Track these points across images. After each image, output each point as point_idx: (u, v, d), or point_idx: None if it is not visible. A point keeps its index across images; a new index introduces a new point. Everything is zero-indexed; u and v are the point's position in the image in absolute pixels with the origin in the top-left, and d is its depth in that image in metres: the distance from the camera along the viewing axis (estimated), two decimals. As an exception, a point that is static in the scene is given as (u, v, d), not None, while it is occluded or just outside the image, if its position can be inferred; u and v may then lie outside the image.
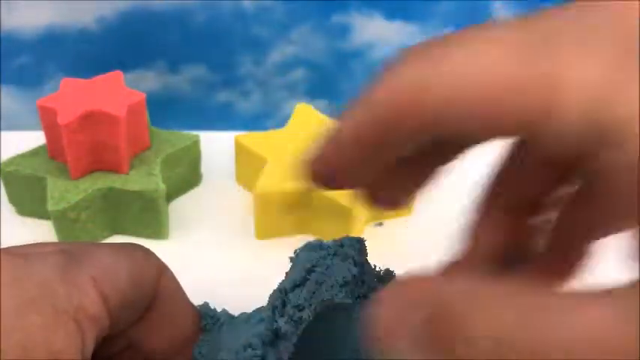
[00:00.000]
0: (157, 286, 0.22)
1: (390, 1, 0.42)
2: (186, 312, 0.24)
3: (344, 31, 0.43)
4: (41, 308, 0.18)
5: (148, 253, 0.22)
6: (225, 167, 0.41)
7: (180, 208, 0.39)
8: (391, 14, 0.43)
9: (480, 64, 0.14)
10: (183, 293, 0.24)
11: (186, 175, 0.40)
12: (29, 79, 0.44)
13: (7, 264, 0.19)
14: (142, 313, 0.22)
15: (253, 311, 0.25)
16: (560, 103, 0.13)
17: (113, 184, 0.35)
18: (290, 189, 0.35)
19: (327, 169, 0.19)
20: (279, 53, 0.44)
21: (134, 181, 0.35)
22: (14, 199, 0.38)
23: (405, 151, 0.17)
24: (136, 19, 0.42)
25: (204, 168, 0.41)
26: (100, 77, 0.36)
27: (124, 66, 0.40)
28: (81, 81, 0.36)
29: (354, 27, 0.43)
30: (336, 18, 0.43)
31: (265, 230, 0.36)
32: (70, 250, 0.20)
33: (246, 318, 0.25)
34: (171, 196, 0.39)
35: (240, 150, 0.39)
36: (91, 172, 0.36)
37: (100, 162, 0.36)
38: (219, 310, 0.26)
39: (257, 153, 0.37)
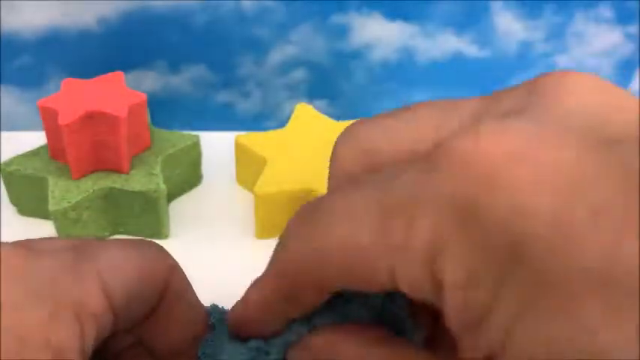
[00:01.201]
0: (166, 285, 0.22)
1: (389, 1, 0.42)
2: (195, 312, 0.24)
3: (344, 31, 0.44)
4: (42, 302, 0.18)
5: (160, 250, 0.22)
6: (226, 167, 0.41)
7: (181, 208, 0.39)
8: (391, 14, 0.43)
9: (340, 236, 0.16)
10: (194, 293, 0.24)
11: (187, 175, 0.40)
12: (30, 80, 0.44)
13: (14, 257, 0.19)
14: (151, 310, 0.22)
15: None
16: (397, 269, 0.16)
17: (114, 184, 0.35)
18: (290, 189, 0.35)
19: (242, 325, 0.22)
20: (279, 53, 0.44)
21: (135, 181, 0.36)
22: (15, 200, 0.38)
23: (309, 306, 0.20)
24: (137, 20, 0.42)
25: (204, 168, 0.41)
26: (101, 78, 0.37)
27: (125, 66, 0.40)
28: (82, 81, 0.36)
29: (353, 27, 0.43)
30: (336, 18, 0.43)
31: (265, 230, 0.37)
32: (80, 246, 0.20)
33: None
34: (171, 196, 0.39)
35: (240, 150, 0.39)
36: (92, 172, 0.36)
37: (101, 162, 0.36)
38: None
39: (257, 153, 0.37)
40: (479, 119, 0.16)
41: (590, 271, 0.12)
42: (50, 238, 0.21)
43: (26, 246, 0.20)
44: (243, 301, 0.22)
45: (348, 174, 0.19)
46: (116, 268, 0.20)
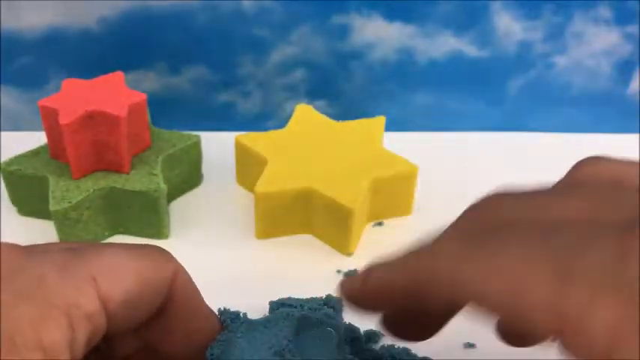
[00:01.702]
0: (170, 289, 0.22)
1: (389, 1, 0.43)
2: (202, 315, 0.24)
3: (344, 31, 0.44)
4: (34, 302, 0.18)
5: (162, 254, 0.22)
6: (226, 167, 0.41)
7: (181, 208, 0.39)
8: (391, 15, 0.43)
9: (509, 276, 0.16)
10: (199, 296, 0.24)
11: (187, 175, 0.40)
12: (30, 80, 0.44)
13: (8, 257, 0.19)
14: (154, 314, 0.22)
15: (271, 315, 0.26)
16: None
17: (114, 184, 0.35)
18: (290, 189, 0.35)
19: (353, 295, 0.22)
20: (279, 54, 0.44)
21: (135, 181, 0.36)
22: (16, 199, 0.38)
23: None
24: (137, 20, 0.42)
25: (204, 168, 0.41)
26: (101, 78, 0.37)
27: (125, 66, 0.40)
28: (82, 81, 0.36)
29: (353, 28, 0.43)
30: (336, 19, 0.43)
31: (266, 230, 0.37)
32: (77, 249, 0.20)
33: (264, 322, 0.25)
34: (171, 196, 0.39)
35: (240, 150, 0.39)
36: (93, 172, 0.36)
37: (102, 162, 0.36)
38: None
39: (257, 153, 0.37)
40: None
41: None
42: (52, 243, 0.22)
43: (23, 247, 0.20)
44: (366, 275, 0.22)
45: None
46: (112, 272, 0.20)
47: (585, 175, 0.21)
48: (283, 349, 0.23)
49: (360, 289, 0.22)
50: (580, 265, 0.15)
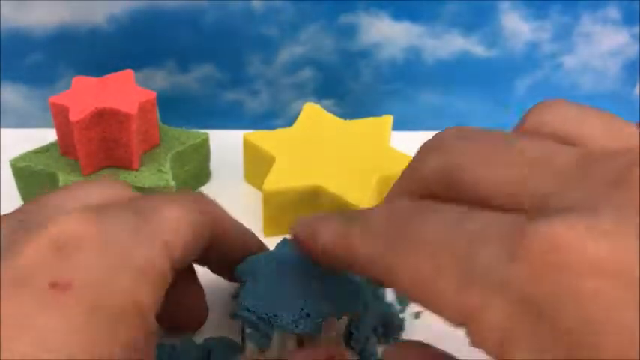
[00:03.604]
0: (212, 230, 0.25)
1: (397, 1, 0.43)
2: (240, 243, 0.27)
3: (352, 31, 0.44)
4: (127, 272, 0.20)
5: (203, 198, 0.26)
6: (234, 165, 0.41)
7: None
8: (399, 15, 0.43)
9: (418, 270, 0.17)
10: (238, 226, 0.27)
11: (195, 172, 0.40)
12: (41, 78, 0.44)
13: (90, 227, 0.20)
14: (202, 253, 0.25)
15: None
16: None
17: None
18: (298, 186, 0.35)
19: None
20: (287, 53, 0.44)
21: (144, 177, 0.36)
22: (26, 196, 0.38)
23: None
24: (147, 19, 0.42)
25: (213, 166, 0.41)
26: (112, 75, 0.37)
27: (135, 65, 0.41)
28: (92, 79, 0.37)
29: (361, 27, 0.44)
30: (344, 18, 0.43)
31: (273, 227, 0.37)
32: (136, 208, 0.22)
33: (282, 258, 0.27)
34: (180, 193, 0.39)
35: (248, 148, 0.39)
36: (102, 168, 0.36)
37: (111, 159, 0.36)
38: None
39: (265, 151, 0.38)
40: (562, 206, 0.16)
41: None
42: (105, 191, 0.24)
43: (97, 212, 0.21)
44: (314, 232, 0.22)
45: (426, 185, 0.20)
46: (176, 231, 0.22)
47: (532, 127, 0.20)
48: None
49: (297, 236, 0.24)
50: (476, 265, 0.16)
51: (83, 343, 0.18)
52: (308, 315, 0.25)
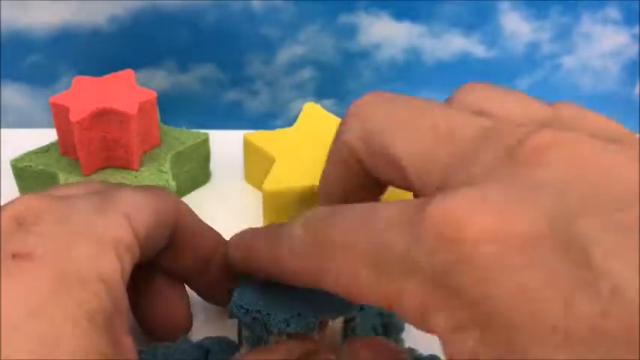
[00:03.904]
0: (176, 220, 0.25)
1: (397, 1, 0.43)
2: (204, 236, 0.27)
3: (352, 31, 0.44)
4: (88, 240, 0.21)
5: (164, 190, 0.26)
6: (234, 165, 0.41)
7: (189, 204, 0.39)
8: (399, 14, 0.43)
9: (343, 267, 0.19)
10: (201, 223, 0.27)
11: (196, 172, 0.40)
12: (41, 77, 0.44)
13: (53, 205, 0.21)
14: (166, 242, 0.25)
15: None
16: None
17: (124, 181, 0.36)
18: (298, 186, 0.35)
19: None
20: (287, 53, 0.45)
21: (144, 177, 0.36)
22: (26, 195, 0.38)
23: None
24: (147, 19, 0.42)
25: (213, 166, 0.41)
26: (112, 75, 0.37)
27: (135, 64, 0.41)
28: (93, 79, 0.37)
29: (361, 27, 0.44)
30: (344, 18, 0.43)
31: (273, 227, 0.37)
32: (102, 191, 0.23)
33: None
34: (180, 193, 0.39)
35: (248, 148, 0.39)
36: (102, 168, 0.36)
37: (111, 159, 0.36)
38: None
39: (265, 151, 0.38)
40: (457, 178, 0.18)
41: (554, 330, 0.14)
42: (68, 186, 0.25)
43: (57, 196, 0.22)
44: (248, 250, 0.24)
45: (351, 151, 0.22)
46: (137, 208, 0.23)
47: (456, 103, 0.21)
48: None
49: (236, 254, 0.25)
50: (387, 254, 0.17)
51: (46, 310, 0.18)
52: (300, 315, 0.25)
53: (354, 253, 0.18)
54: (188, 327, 0.29)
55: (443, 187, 0.18)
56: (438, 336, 0.17)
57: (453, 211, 0.16)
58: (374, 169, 0.22)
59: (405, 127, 0.20)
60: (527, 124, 0.18)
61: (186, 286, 0.29)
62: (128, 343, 0.21)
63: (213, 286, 0.28)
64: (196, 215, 0.27)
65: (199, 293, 0.29)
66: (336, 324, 0.26)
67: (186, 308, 0.29)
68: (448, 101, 0.21)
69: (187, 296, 0.29)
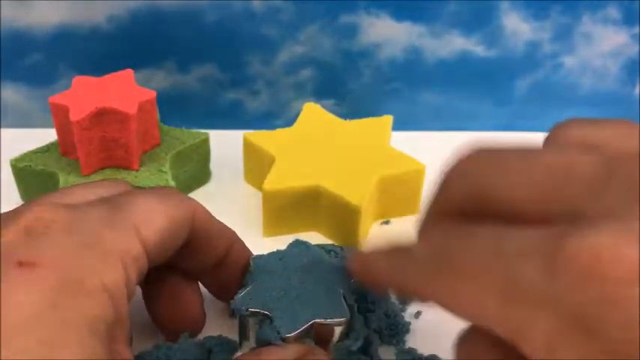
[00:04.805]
0: (191, 225, 0.26)
1: (397, 1, 0.43)
2: (220, 236, 0.28)
3: (352, 31, 0.44)
4: (94, 251, 0.21)
5: (182, 194, 0.26)
6: (234, 165, 0.41)
7: (189, 205, 0.39)
8: (399, 14, 0.43)
9: (467, 297, 0.18)
10: (215, 221, 0.27)
11: (196, 172, 0.40)
12: (41, 77, 0.44)
13: (62, 215, 0.22)
14: (180, 247, 0.26)
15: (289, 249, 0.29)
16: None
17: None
18: (298, 186, 0.35)
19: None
20: (287, 53, 0.44)
21: (144, 177, 0.36)
22: (26, 195, 0.38)
23: None
24: (147, 19, 0.42)
25: (212, 166, 0.41)
26: (111, 75, 0.37)
27: (135, 65, 0.41)
28: (92, 79, 0.37)
29: (361, 27, 0.44)
30: (344, 18, 0.43)
31: (273, 227, 0.37)
32: (112, 200, 0.24)
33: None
34: (180, 193, 0.39)
35: (248, 148, 0.39)
36: (102, 168, 0.36)
37: (111, 158, 0.36)
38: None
39: (265, 151, 0.38)
40: (591, 209, 0.17)
41: None
42: (84, 187, 0.25)
43: (69, 205, 0.22)
44: (367, 269, 0.24)
45: (459, 208, 0.20)
46: (148, 218, 0.23)
47: (554, 141, 0.20)
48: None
49: (357, 269, 0.25)
50: (518, 282, 0.16)
51: (47, 316, 0.19)
52: (299, 319, 0.25)
53: (482, 281, 0.17)
54: (201, 324, 0.29)
55: (572, 225, 0.16)
56: None
57: (597, 246, 0.15)
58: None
59: (516, 175, 0.19)
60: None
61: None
62: (126, 353, 0.22)
63: (226, 284, 0.28)
64: (212, 215, 0.27)
65: (211, 290, 0.30)
66: (336, 329, 0.26)
67: (200, 305, 0.29)
68: (548, 140, 0.21)
69: (201, 293, 0.29)
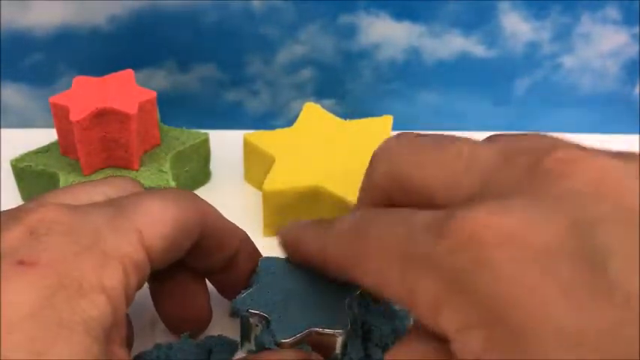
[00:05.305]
0: (201, 229, 0.25)
1: (397, 1, 0.43)
2: (230, 235, 0.28)
3: (351, 31, 0.44)
4: (94, 252, 0.21)
5: (192, 196, 0.26)
6: (234, 165, 0.41)
7: (189, 205, 0.39)
8: (398, 14, 0.43)
9: (373, 265, 0.21)
10: (225, 221, 0.27)
11: (196, 172, 0.40)
12: (41, 77, 0.44)
13: (66, 216, 0.22)
14: (187, 251, 0.26)
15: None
16: None
17: (124, 181, 0.36)
18: (298, 186, 0.35)
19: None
20: (287, 53, 0.45)
21: (144, 177, 0.36)
22: (26, 196, 0.38)
23: None
24: (147, 19, 0.42)
25: (213, 166, 0.41)
26: (112, 75, 0.37)
27: (135, 64, 0.41)
28: (93, 79, 0.37)
29: (361, 27, 0.44)
30: (344, 18, 0.43)
31: (273, 228, 0.37)
32: (117, 202, 0.24)
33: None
34: (180, 193, 0.39)
35: (248, 148, 0.39)
36: (102, 168, 0.36)
37: (111, 159, 0.36)
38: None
39: (265, 151, 0.38)
40: (480, 193, 0.19)
41: (564, 332, 0.15)
42: (93, 185, 0.25)
43: (68, 205, 0.22)
44: (296, 239, 0.26)
45: (381, 190, 0.23)
46: (152, 223, 0.23)
47: None
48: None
49: (282, 242, 0.27)
50: (412, 252, 0.19)
51: (43, 314, 0.19)
52: (298, 325, 0.25)
53: (388, 249, 0.19)
54: (207, 322, 0.30)
55: (470, 202, 0.19)
56: (447, 336, 0.18)
57: (476, 217, 0.17)
58: (404, 203, 0.23)
59: (431, 158, 0.21)
60: (532, 143, 0.20)
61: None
62: (122, 355, 0.22)
63: (234, 284, 0.28)
64: (221, 215, 0.27)
65: (220, 289, 0.30)
66: (337, 339, 0.26)
67: (207, 303, 0.29)
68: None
69: (208, 291, 0.29)
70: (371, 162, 0.24)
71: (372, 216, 0.21)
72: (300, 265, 0.27)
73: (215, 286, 0.30)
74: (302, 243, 0.25)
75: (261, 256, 0.29)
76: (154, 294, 0.29)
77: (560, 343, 0.15)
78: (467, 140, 0.22)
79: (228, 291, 0.29)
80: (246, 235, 0.29)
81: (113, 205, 0.23)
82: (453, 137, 0.22)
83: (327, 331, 0.25)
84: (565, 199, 0.17)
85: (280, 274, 0.27)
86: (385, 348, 0.29)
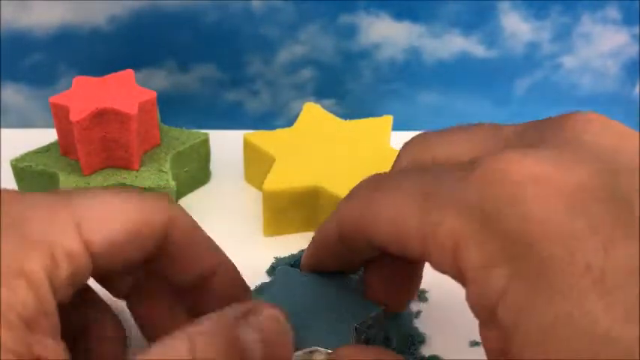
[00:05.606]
0: (166, 229, 0.24)
1: (397, 1, 0.43)
2: (201, 249, 0.25)
3: (351, 31, 0.44)
4: (15, 236, 0.20)
5: (158, 199, 0.24)
6: (234, 165, 0.41)
7: (189, 205, 0.39)
8: (398, 14, 0.43)
9: (391, 207, 0.20)
10: (200, 232, 0.26)
11: (196, 172, 0.40)
12: (41, 78, 0.44)
13: (5, 199, 0.21)
14: (151, 255, 0.24)
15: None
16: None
17: (124, 181, 0.36)
18: (298, 186, 0.35)
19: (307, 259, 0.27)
20: (287, 53, 0.45)
21: (145, 177, 0.36)
22: (26, 195, 0.38)
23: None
24: (147, 19, 0.42)
25: (213, 166, 0.41)
26: (112, 75, 0.37)
27: (135, 65, 0.41)
28: (93, 79, 0.37)
29: (361, 27, 0.44)
30: (344, 18, 0.43)
31: (273, 227, 0.37)
32: (67, 193, 0.22)
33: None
34: (180, 193, 0.39)
35: (248, 148, 0.39)
36: (102, 168, 0.36)
37: (111, 159, 0.36)
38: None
39: (265, 151, 0.38)
40: (508, 146, 0.20)
41: (592, 267, 0.16)
42: (51, 191, 0.23)
43: (15, 192, 0.22)
44: (312, 239, 0.26)
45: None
46: (97, 217, 0.22)
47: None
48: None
49: (308, 250, 0.26)
50: (436, 193, 0.19)
51: None
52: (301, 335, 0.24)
53: (408, 193, 0.20)
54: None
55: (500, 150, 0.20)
56: (467, 277, 0.18)
57: (504, 159, 0.18)
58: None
59: (458, 136, 0.22)
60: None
61: None
62: (54, 346, 0.20)
63: (205, 308, 0.24)
64: (198, 227, 0.25)
65: (190, 310, 0.27)
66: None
67: (184, 320, 0.26)
68: None
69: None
70: (402, 151, 0.25)
71: (388, 173, 0.22)
72: (316, 278, 0.26)
73: (187, 306, 0.27)
74: (318, 230, 0.25)
75: (247, 288, 0.27)
76: (131, 307, 0.27)
77: (585, 278, 0.15)
78: (487, 126, 0.23)
79: (198, 315, 0.25)
80: (230, 262, 0.27)
81: (59, 194, 0.22)
82: (478, 122, 0.23)
83: (330, 351, 0.25)
84: (589, 150, 0.18)
85: (293, 287, 0.26)
86: (389, 336, 0.29)
